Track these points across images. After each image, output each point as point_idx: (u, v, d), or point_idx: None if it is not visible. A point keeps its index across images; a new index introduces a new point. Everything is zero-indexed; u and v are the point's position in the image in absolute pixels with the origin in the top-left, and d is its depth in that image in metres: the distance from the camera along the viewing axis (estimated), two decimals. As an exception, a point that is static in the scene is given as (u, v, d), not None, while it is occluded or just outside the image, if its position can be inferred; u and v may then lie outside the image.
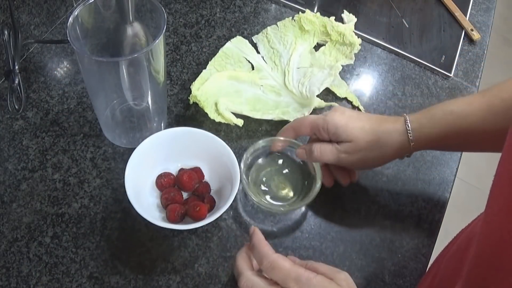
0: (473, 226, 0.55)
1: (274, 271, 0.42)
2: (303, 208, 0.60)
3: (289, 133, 0.60)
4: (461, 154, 0.68)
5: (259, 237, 0.45)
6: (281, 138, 0.61)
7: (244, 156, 0.59)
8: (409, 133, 0.53)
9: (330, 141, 0.56)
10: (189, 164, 0.60)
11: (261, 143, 0.60)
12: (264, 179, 0.61)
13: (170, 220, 0.54)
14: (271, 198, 0.60)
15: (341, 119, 0.54)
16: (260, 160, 0.62)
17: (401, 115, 0.55)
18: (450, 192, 0.64)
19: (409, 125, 0.53)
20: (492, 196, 0.36)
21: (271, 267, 0.42)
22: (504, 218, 0.33)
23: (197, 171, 0.59)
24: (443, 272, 0.50)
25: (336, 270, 0.44)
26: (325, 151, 0.55)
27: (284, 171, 0.62)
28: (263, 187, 0.60)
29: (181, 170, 0.59)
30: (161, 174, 0.58)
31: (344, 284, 0.42)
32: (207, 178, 0.60)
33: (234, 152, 0.56)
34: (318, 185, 0.58)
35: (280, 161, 0.63)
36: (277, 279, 0.42)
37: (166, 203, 0.56)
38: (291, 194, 0.60)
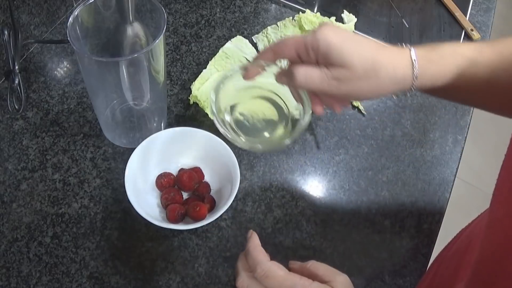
0: (473, 227, 0.55)
1: (269, 280, 0.41)
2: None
3: (267, 56, 0.49)
4: (461, 154, 0.68)
5: (254, 243, 0.43)
6: (259, 62, 0.50)
7: (212, 92, 0.49)
8: (415, 67, 0.45)
9: (316, 63, 0.46)
10: (189, 164, 0.60)
11: (232, 70, 0.50)
12: (238, 113, 0.51)
13: (170, 220, 0.54)
14: (247, 135, 0.50)
15: (335, 38, 0.44)
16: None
17: (405, 45, 0.47)
18: (450, 192, 0.64)
19: (415, 59, 0.45)
20: (495, 201, 0.35)
21: (265, 275, 0.41)
22: (508, 223, 0.32)
23: (197, 171, 0.59)
24: (443, 272, 0.50)
25: (336, 272, 0.43)
26: (311, 76, 0.45)
27: (264, 101, 0.53)
28: (237, 123, 0.50)
29: (181, 170, 0.59)
30: (161, 174, 0.58)
31: (340, 286, 0.41)
32: (207, 178, 0.60)
33: (234, 152, 0.56)
34: (308, 116, 0.48)
35: (257, 90, 0.53)
36: (271, 287, 0.41)
37: (166, 203, 0.56)
38: (272, 127, 0.51)
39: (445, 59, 0.46)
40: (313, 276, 0.42)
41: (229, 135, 0.48)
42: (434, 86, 0.47)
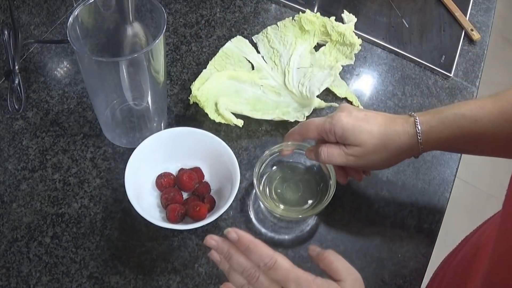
0: (479, 235, 0.54)
1: (276, 272, 0.42)
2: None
3: (295, 138, 0.59)
4: (461, 154, 0.68)
5: (251, 237, 0.44)
6: (289, 143, 0.60)
7: (256, 167, 0.58)
8: (419, 136, 0.51)
9: (337, 142, 0.55)
10: (189, 164, 0.60)
11: (270, 151, 0.60)
12: (277, 186, 0.61)
13: (170, 220, 0.54)
14: (285, 205, 0.59)
15: (348, 121, 0.52)
16: (271, 168, 0.62)
17: (410, 114, 0.53)
18: (450, 192, 0.64)
19: (419, 127, 0.51)
20: (506, 213, 0.35)
21: (274, 267, 0.42)
22: None
23: (197, 171, 0.59)
24: (449, 281, 0.49)
25: (349, 271, 0.43)
26: (332, 154, 0.54)
27: (297, 177, 0.62)
28: (276, 195, 0.60)
29: (181, 170, 0.59)
30: (161, 174, 0.58)
31: (348, 287, 0.41)
32: (207, 178, 0.60)
33: (234, 152, 0.56)
34: (333, 188, 0.57)
35: (291, 167, 0.63)
36: (277, 278, 0.42)
37: (166, 203, 0.56)
38: (306, 199, 0.60)
39: (446, 124, 0.51)
40: (327, 268, 0.43)
41: (270, 208, 0.57)
42: (440, 148, 0.54)
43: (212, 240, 0.45)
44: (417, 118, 0.52)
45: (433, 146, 0.53)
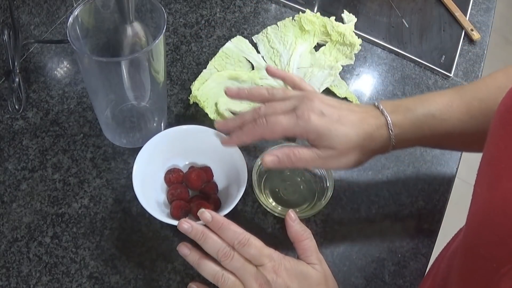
0: None
1: (250, 247, 0.45)
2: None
3: (253, 137, 0.53)
4: (461, 154, 0.68)
5: (224, 218, 0.47)
6: (285, 144, 0.59)
7: (255, 167, 0.59)
8: (392, 139, 0.51)
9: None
10: (198, 162, 0.60)
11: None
12: (276, 186, 0.61)
13: (173, 216, 0.54)
14: (284, 205, 0.59)
15: (323, 124, 0.49)
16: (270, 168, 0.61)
17: (379, 108, 0.51)
18: (450, 192, 0.64)
19: (392, 129, 0.51)
20: (476, 183, 0.39)
21: (247, 244, 0.45)
22: (486, 191, 0.36)
23: (206, 170, 0.59)
24: (443, 270, 0.50)
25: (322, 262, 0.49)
26: (304, 157, 0.51)
27: (296, 177, 0.62)
28: (275, 195, 0.60)
29: (191, 167, 0.59)
30: (170, 169, 0.59)
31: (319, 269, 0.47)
32: (215, 177, 0.60)
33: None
34: (331, 188, 0.58)
35: (290, 168, 0.63)
36: (251, 254, 0.45)
37: (172, 199, 0.56)
38: (305, 199, 0.60)
39: (417, 125, 0.51)
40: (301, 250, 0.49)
41: (268, 205, 0.58)
42: (409, 147, 0.54)
43: (185, 223, 0.47)
44: (389, 119, 0.51)
45: (403, 146, 0.53)
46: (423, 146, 0.57)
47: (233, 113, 0.65)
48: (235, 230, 0.46)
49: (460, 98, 0.52)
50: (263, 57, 0.73)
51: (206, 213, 0.47)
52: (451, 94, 0.52)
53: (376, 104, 0.52)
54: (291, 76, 0.58)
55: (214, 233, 0.47)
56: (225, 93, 0.57)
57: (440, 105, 0.51)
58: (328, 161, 0.51)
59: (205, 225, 0.48)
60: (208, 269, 0.45)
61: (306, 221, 0.59)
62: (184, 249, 0.47)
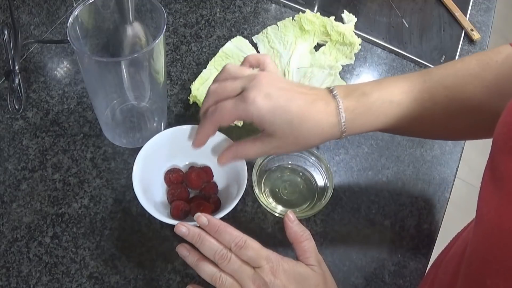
0: (468, 231, 0.55)
1: (248, 250, 0.45)
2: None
3: (210, 129, 0.52)
4: (461, 154, 0.68)
5: (220, 221, 0.47)
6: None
7: (255, 167, 0.59)
8: (343, 125, 0.48)
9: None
10: (198, 162, 0.60)
11: None
12: (276, 186, 0.61)
13: (173, 216, 0.54)
14: (284, 205, 0.59)
15: (266, 107, 0.46)
16: (270, 168, 0.62)
17: (332, 92, 0.49)
18: (450, 192, 0.64)
19: (343, 115, 0.48)
20: (480, 199, 0.36)
21: (245, 246, 0.45)
22: (493, 217, 0.33)
23: (206, 170, 0.59)
24: (441, 277, 0.49)
25: (321, 263, 0.49)
26: (246, 153, 0.51)
27: (295, 177, 0.62)
28: (275, 195, 0.60)
29: (191, 167, 0.59)
30: (171, 169, 0.59)
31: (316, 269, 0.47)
32: (215, 177, 0.60)
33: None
34: (331, 188, 0.58)
35: (290, 167, 0.63)
36: (249, 256, 0.45)
37: (172, 199, 0.56)
38: (305, 199, 0.60)
39: (372, 111, 0.48)
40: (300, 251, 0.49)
41: (268, 206, 0.58)
42: (365, 132, 0.51)
43: (182, 226, 0.47)
44: (340, 103, 0.48)
45: (357, 132, 0.50)
46: (381, 131, 0.52)
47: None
48: (232, 233, 0.46)
49: (423, 83, 0.49)
50: (263, 57, 0.73)
51: (202, 217, 0.47)
52: (415, 79, 0.50)
53: (331, 88, 0.50)
54: (255, 55, 0.55)
55: (212, 236, 0.47)
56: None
57: (400, 89, 0.49)
58: (269, 150, 0.50)
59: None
60: (206, 270, 0.45)
61: (306, 221, 0.59)
62: (183, 250, 0.47)
